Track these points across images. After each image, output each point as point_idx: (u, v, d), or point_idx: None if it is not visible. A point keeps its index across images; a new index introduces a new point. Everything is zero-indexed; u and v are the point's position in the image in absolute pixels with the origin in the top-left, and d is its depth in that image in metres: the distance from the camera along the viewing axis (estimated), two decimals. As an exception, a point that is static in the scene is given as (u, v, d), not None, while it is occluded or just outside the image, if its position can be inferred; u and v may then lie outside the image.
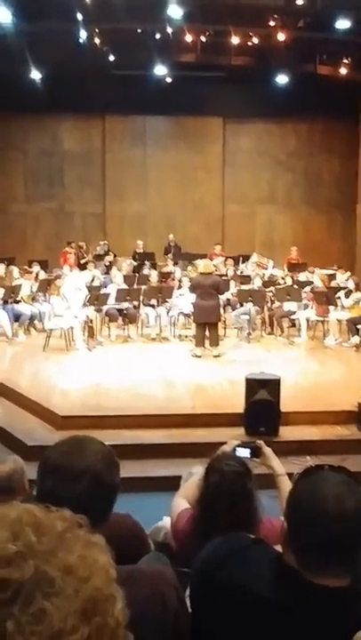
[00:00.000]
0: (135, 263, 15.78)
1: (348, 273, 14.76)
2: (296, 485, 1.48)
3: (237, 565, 1.52)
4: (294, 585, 1.42)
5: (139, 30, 14.71)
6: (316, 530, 1.39)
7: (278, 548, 1.61)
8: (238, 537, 1.69)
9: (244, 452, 2.77)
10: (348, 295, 12.60)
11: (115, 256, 16.57)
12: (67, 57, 14.99)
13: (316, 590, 1.40)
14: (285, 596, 1.42)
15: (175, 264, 15.99)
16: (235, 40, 14.46)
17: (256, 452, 2.81)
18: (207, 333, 10.85)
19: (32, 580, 0.75)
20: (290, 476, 2.82)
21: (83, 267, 15.34)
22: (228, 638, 1.50)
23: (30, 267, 14.90)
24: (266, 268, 15.20)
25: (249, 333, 12.09)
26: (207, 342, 10.88)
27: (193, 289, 10.99)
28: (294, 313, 12.42)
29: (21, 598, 0.74)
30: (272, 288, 13.22)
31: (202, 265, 11.70)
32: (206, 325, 10.74)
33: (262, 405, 7.34)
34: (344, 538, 1.38)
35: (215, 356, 10.63)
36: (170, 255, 16.89)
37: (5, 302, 11.96)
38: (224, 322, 12.14)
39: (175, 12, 12.63)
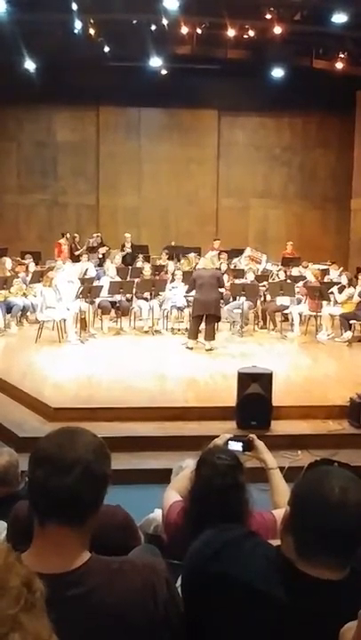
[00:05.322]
0: (123, 253, 15.76)
1: (342, 268, 14.79)
2: (305, 474, 1.53)
3: (232, 558, 1.53)
4: (289, 577, 1.44)
5: (134, 21, 14.62)
6: (319, 516, 1.43)
7: (270, 542, 1.63)
8: (232, 528, 1.70)
9: (236, 446, 2.78)
10: (341, 290, 12.64)
11: (109, 248, 16.55)
12: (61, 47, 14.90)
13: (311, 582, 1.42)
14: (280, 588, 1.44)
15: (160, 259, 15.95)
16: (231, 33, 14.40)
17: (248, 446, 2.82)
18: (201, 327, 10.84)
19: None
20: (281, 469, 2.84)
21: (76, 258, 15.33)
22: (222, 630, 1.51)
23: (23, 258, 14.86)
24: (259, 263, 15.21)
25: (241, 327, 12.10)
26: (201, 336, 10.89)
27: (193, 281, 10.84)
28: (287, 307, 12.44)
29: None
30: (265, 282, 13.25)
31: (202, 262, 11.69)
32: (203, 318, 10.70)
33: (254, 399, 7.35)
34: (343, 528, 1.42)
35: (208, 350, 10.64)
36: (165, 250, 16.85)
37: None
38: (220, 318, 12.12)
39: (171, 3, 12.56)
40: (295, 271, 14.37)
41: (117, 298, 12.34)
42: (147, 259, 15.65)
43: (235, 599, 1.48)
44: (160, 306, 12.48)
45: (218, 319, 11.11)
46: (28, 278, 13.16)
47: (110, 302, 12.35)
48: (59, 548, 1.43)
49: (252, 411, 7.34)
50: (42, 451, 1.47)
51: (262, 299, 13.00)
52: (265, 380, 7.48)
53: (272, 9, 13.86)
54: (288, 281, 13.04)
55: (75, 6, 12.70)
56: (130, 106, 18.77)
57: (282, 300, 12.39)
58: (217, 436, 2.88)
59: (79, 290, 11.86)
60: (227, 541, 1.58)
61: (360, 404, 7.57)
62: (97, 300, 12.18)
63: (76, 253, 16.05)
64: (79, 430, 1.53)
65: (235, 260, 15.52)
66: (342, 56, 15.58)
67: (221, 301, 12.53)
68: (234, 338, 11.92)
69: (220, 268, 13.81)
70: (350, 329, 11.63)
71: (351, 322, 11.67)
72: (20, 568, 1.05)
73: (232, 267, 14.81)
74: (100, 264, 15.11)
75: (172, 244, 17.51)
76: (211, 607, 1.52)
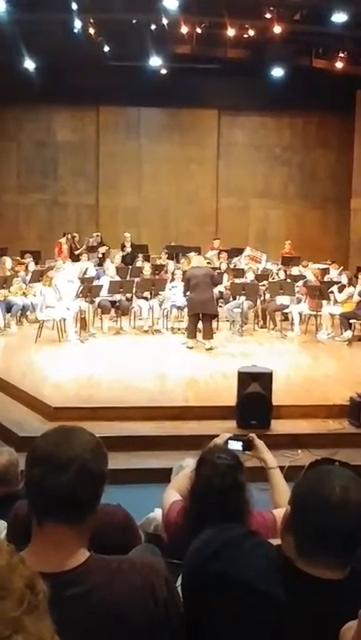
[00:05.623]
0: (123, 253, 15.76)
1: (341, 267, 14.79)
2: (305, 474, 1.53)
3: (232, 557, 1.53)
4: (289, 577, 1.44)
5: (134, 21, 14.61)
6: (319, 516, 1.43)
7: (270, 541, 1.62)
8: (232, 528, 1.69)
9: (236, 445, 2.77)
10: (341, 290, 12.63)
11: (108, 248, 16.55)
12: (61, 47, 14.89)
13: (311, 582, 1.42)
14: (280, 587, 1.44)
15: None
16: (230, 32, 14.38)
17: (248, 445, 2.81)
18: (199, 326, 10.85)
19: None
20: (282, 469, 2.84)
21: (76, 258, 15.33)
22: (222, 630, 1.51)
23: (23, 258, 14.87)
24: (259, 262, 15.20)
25: (241, 326, 12.10)
26: (200, 335, 10.89)
27: (187, 281, 10.90)
28: (287, 307, 12.44)
29: None
30: (265, 282, 13.24)
31: (195, 260, 11.71)
32: (199, 317, 10.72)
33: (254, 398, 7.35)
34: (344, 528, 1.42)
35: (208, 349, 10.63)
36: (165, 250, 16.86)
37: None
38: (216, 315, 12.14)
39: (171, 3, 12.56)
40: (295, 270, 14.36)
41: (117, 297, 12.34)
42: (146, 258, 15.64)
43: (235, 599, 1.48)
44: (160, 305, 12.48)
45: (215, 317, 11.11)
46: (28, 278, 13.16)
47: (110, 302, 12.35)
48: (57, 546, 1.42)
49: (253, 410, 7.34)
50: (38, 449, 1.47)
51: (262, 298, 12.99)
52: (265, 379, 7.48)
53: (272, 8, 13.85)
54: (288, 280, 13.03)
55: (75, 6, 12.70)
56: (130, 106, 18.76)
57: (282, 300, 12.39)
58: (217, 436, 2.87)
59: (79, 289, 11.86)
60: (227, 541, 1.58)
61: (360, 404, 7.57)
62: (97, 300, 12.17)
63: (76, 253, 16.04)
64: (76, 429, 1.53)
65: (235, 260, 15.52)
66: (342, 55, 15.56)
67: (221, 300, 12.56)
68: (234, 337, 11.92)
69: (219, 268, 13.83)
70: (350, 328, 11.62)
71: (351, 321, 11.66)
72: (23, 569, 1.04)
73: (232, 266, 14.80)
74: (100, 263, 15.10)
75: (172, 243, 17.51)
76: (211, 607, 1.51)
